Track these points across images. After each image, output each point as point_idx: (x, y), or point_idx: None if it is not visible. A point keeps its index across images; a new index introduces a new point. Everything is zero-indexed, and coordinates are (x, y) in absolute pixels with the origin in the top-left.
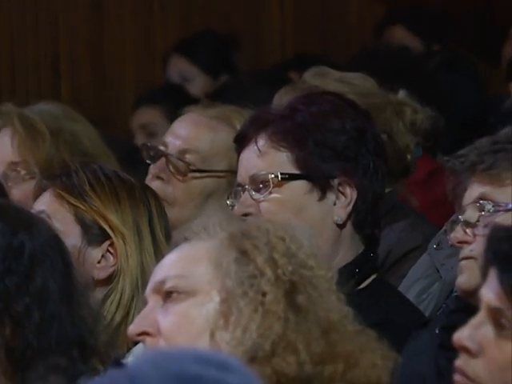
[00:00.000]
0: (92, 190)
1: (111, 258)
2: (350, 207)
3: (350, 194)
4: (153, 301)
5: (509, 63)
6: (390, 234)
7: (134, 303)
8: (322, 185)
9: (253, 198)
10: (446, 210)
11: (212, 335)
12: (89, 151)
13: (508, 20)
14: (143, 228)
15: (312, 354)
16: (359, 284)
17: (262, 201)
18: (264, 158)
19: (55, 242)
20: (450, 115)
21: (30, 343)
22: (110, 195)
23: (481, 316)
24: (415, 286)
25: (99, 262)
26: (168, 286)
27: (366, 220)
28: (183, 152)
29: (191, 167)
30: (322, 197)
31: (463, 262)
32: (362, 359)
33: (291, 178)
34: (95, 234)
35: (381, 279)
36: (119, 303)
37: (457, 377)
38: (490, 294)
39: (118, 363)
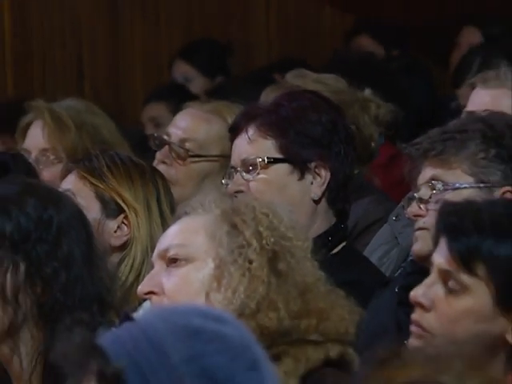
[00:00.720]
0: (109, 172)
1: (125, 228)
2: (325, 186)
3: (325, 175)
4: (158, 265)
5: (454, 72)
6: (357, 208)
7: (145, 266)
8: (301, 167)
9: (243, 178)
10: (403, 188)
11: (207, 295)
12: (107, 140)
13: (455, 31)
14: (152, 203)
15: (290, 311)
16: (331, 250)
17: (251, 180)
18: (253, 144)
19: (79, 215)
20: (408, 110)
21: (58, 300)
22: (124, 176)
23: (433, 277)
24: (377, 251)
25: (115, 232)
26: (171, 253)
27: (337, 197)
28: (183, 140)
29: (190, 153)
30: (301, 177)
31: (418, 232)
32: (333, 314)
33: (275, 161)
34: (112, 209)
35: (349, 246)
36: (132, 266)
37: (413, 328)
38: (440, 258)
39: (127, 317)
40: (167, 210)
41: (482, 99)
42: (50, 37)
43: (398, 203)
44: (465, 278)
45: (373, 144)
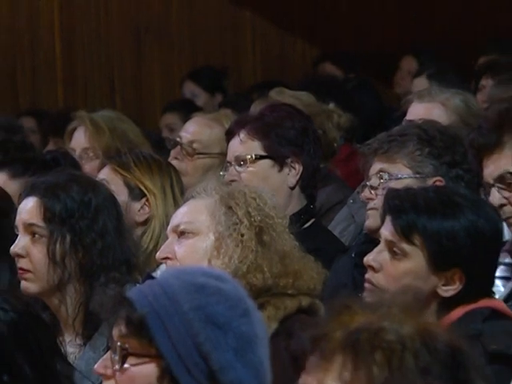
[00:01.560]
0: (135, 165)
1: (146, 208)
2: (298, 176)
3: (298, 168)
4: (171, 237)
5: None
6: (322, 193)
7: (161, 237)
8: (280, 162)
9: (236, 171)
10: (358, 178)
11: (209, 261)
12: (133, 141)
13: (398, 56)
14: (167, 189)
15: (272, 272)
16: (303, 225)
17: (242, 172)
18: (244, 145)
19: (111, 198)
20: (361, 118)
21: (95, 262)
22: (146, 169)
23: (381, 246)
24: (338, 226)
25: (139, 211)
26: (181, 228)
27: (308, 184)
28: (191, 142)
29: (196, 151)
30: (280, 170)
31: (369, 212)
32: (304, 274)
33: (261, 158)
34: (136, 194)
35: (317, 222)
36: (151, 237)
37: (366, 285)
38: (386, 232)
39: (149, 276)
40: (178, 194)
41: (417, 111)
42: (89, 61)
43: (354, 190)
44: (405, 246)
45: (335, 144)
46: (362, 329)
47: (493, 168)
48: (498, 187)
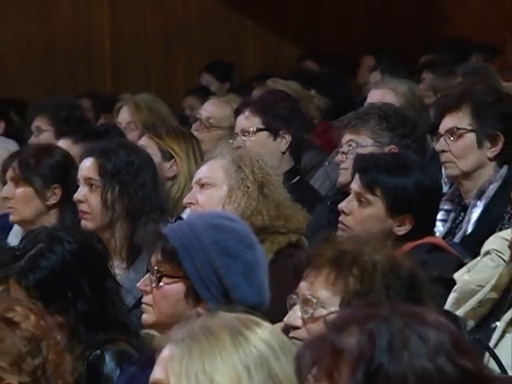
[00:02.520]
0: (166, 134)
1: (174, 167)
2: (288, 144)
3: (288, 138)
4: (195, 188)
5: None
6: (305, 157)
7: (186, 189)
8: (274, 134)
9: (242, 140)
10: (332, 146)
11: (223, 207)
12: (164, 117)
13: (360, 55)
14: (190, 153)
15: (269, 216)
16: (291, 181)
17: (246, 141)
18: (247, 120)
19: (149, 159)
20: (334, 102)
21: (137, 207)
22: (174, 137)
23: (351, 196)
24: (317, 182)
25: (169, 169)
26: (202, 181)
27: (295, 150)
28: (208, 118)
29: (212, 125)
30: (274, 139)
31: (341, 171)
32: (293, 218)
33: (260, 130)
34: (167, 156)
35: (302, 179)
36: (178, 189)
37: (339, 225)
38: (355, 186)
39: (179, 217)
40: (198, 157)
41: (375, 96)
42: (131, 57)
43: (329, 155)
44: (369, 196)
45: (315, 121)
46: (346, 251)
47: (447, 123)
48: (446, 137)
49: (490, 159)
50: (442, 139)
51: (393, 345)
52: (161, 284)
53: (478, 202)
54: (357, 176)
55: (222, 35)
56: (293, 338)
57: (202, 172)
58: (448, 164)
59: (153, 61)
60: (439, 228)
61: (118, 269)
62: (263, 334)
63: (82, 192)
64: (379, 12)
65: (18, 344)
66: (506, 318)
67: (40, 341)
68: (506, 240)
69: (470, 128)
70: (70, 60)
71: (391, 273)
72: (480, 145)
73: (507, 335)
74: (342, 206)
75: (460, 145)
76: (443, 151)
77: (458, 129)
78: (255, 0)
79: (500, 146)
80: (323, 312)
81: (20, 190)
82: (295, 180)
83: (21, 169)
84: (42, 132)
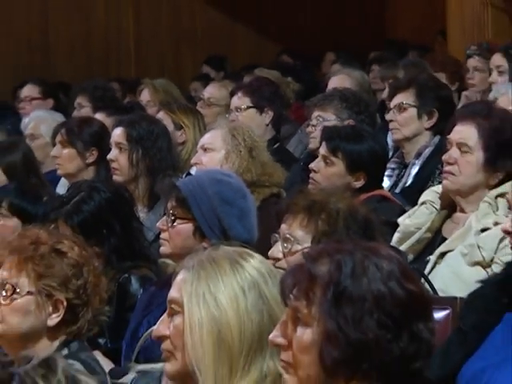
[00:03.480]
0: (177, 110)
1: (184, 135)
2: (271, 118)
3: (271, 114)
4: (200, 151)
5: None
6: (283, 128)
7: (192, 152)
8: (260, 110)
9: (236, 115)
10: (303, 120)
11: (221, 166)
12: (176, 97)
13: (324, 51)
14: (196, 124)
15: (257, 173)
16: (273, 146)
17: (239, 116)
18: (240, 100)
19: (164, 128)
20: (305, 87)
21: (155, 165)
22: (183, 112)
23: (319, 158)
24: (292, 147)
25: (180, 136)
26: (205, 146)
27: (276, 123)
28: (209, 98)
29: (212, 103)
30: (260, 114)
31: (311, 139)
32: (275, 174)
33: (249, 108)
34: (178, 126)
35: (281, 145)
36: (187, 151)
37: (310, 181)
38: (322, 150)
39: (188, 173)
40: (202, 128)
41: (335, 82)
42: (151, 52)
43: (301, 126)
44: (333, 159)
45: (291, 101)
46: (316, 201)
47: (397, 99)
48: (395, 110)
49: (427, 129)
50: (391, 111)
51: (355, 272)
52: (175, 224)
53: (416, 161)
54: (323, 143)
55: (218, 36)
56: (276, 267)
57: (205, 139)
58: (394, 130)
59: (166, 54)
60: (386, 182)
61: (141, 212)
62: (255, 263)
63: (113, 153)
64: (340, 20)
65: (65, 269)
66: (437, 252)
67: (82, 266)
68: (437, 193)
69: (413, 104)
70: (104, 53)
71: (350, 217)
72: (419, 117)
73: (437, 266)
74: (312, 165)
75: (404, 116)
76: (391, 120)
77: (403, 104)
78: (245, 8)
79: (435, 120)
80: (299, 247)
81: (66, 151)
82: (276, 146)
83: (67, 134)
84: (83, 107)
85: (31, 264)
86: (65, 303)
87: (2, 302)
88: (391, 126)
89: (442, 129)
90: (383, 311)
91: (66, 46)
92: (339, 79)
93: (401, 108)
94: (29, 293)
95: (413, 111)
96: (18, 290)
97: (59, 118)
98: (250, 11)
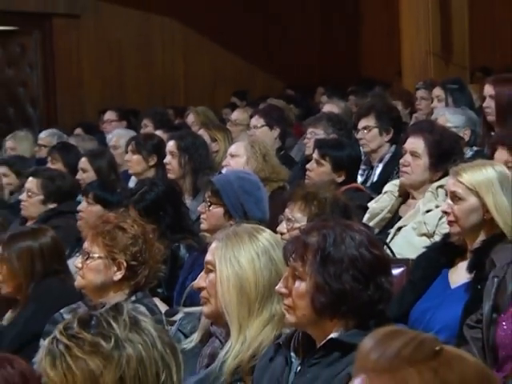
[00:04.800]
0: (213, 128)
1: (217, 146)
2: (278, 133)
3: (279, 130)
4: (228, 157)
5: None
6: (287, 141)
7: (223, 157)
8: (271, 127)
9: (253, 131)
10: (301, 135)
11: (243, 167)
12: (212, 119)
13: (317, 86)
14: (226, 138)
15: (269, 171)
16: (280, 153)
17: (256, 132)
18: (256, 121)
19: (204, 141)
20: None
21: (197, 167)
22: (217, 129)
23: (312, 161)
24: (293, 154)
25: (214, 146)
26: (232, 153)
27: (282, 136)
28: (235, 119)
29: (237, 123)
30: (271, 131)
31: (307, 147)
32: (281, 173)
33: (263, 126)
34: (213, 139)
35: (285, 153)
36: (219, 157)
37: (306, 177)
38: (314, 155)
39: (220, 172)
40: (230, 140)
41: (326, 108)
42: (196, 90)
43: (299, 139)
44: (322, 161)
45: (292, 121)
46: (310, 192)
47: (362, 123)
48: (362, 131)
49: (386, 141)
50: (360, 132)
51: (336, 241)
52: (210, 208)
53: (379, 164)
54: (316, 150)
55: (242, 75)
56: (281, 239)
57: (232, 148)
58: (364, 145)
59: (206, 88)
60: (359, 178)
61: (187, 200)
62: (266, 235)
63: (167, 158)
64: (327, 62)
65: (125, 240)
66: (395, 227)
67: (138, 238)
68: (395, 185)
69: (375, 125)
70: (161, 87)
71: (334, 203)
72: (381, 134)
73: (396, 237)
74: (307, 166)
75: (370, 134)
76: (361, 138)
77: (368, 126)
78: (260, 57)
79: (391, 135)
80: (297, 225)
81: (135, 157)
82: (282, 153)
83: (136, 145)
84: (147, 127)
85: (100, 237)
86: (125, 264)
87: (83, 264)
88: (361, 142)
89: (396, 140)
90: (356, 269)
91: (134, 83)
92: (329, 106)
93: (366, 129)
94: (99, 257)
95: (375, 131)
96: (91, 256)
97: (131, 134)
98: (263, 58)
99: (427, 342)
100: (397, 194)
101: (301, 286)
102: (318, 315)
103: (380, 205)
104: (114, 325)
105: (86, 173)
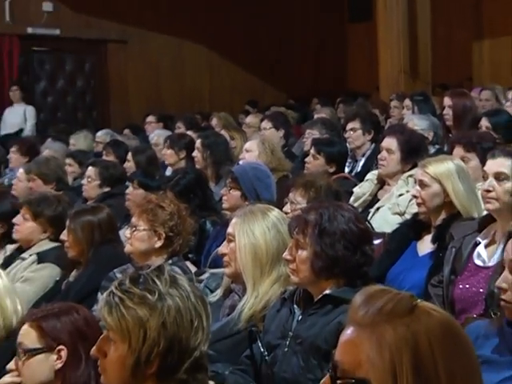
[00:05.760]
0: (232, 130)
1: (235, 143)
2: (283, 133)
3: (283, 131)
4: (244, 152)
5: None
6: (289, 140)
7: (240, 152)
8: (277, 129)
9: (263, 132)
10: (301, 135)
11: (256, 160)
12: (231, 123)
13: (312, 98)
14: (242, 137)
15: (275, 163)
16: (284, 149)
17: (265, 132)
18: (266, 124)
19: (225, 139)
20: (301, 117)
21: (218, 159)
22: (235, 130)
23: (310, 155)
24: (294, 150)
25: (233, 144)
26: (247, 149)
27: (286, 136)
28: (249, 123)
29: (250, 126)
30: (277, 131)
31: (305, 144)
32: (285, 164)
33: (271, 128)
34: (232, 138)
35: (288, 149)
36: (237, 152)
37: (306, 168)
38: (311, 151)
39: (238, 163)
40: (245, 139)
41: (318, 114)
42: (218, 96)
43: (299, 139)
44: (318, 156)
45: (293, 124)
46: (309, 180)
47: (349, 126)
48: (349, 131)
49: (368, 140)
50: (347, 133)
51: (330, 218)
52: (230, 192)
53: (362, 158)
54: (312, 147)
55: (253, 89)
56: (286, 217)
57: (247, 145)
58: (351, 143)
59: (226, 98)
60: (346, 169)
61: (212, 185)
62: (275, 213)
63: (195, 153)
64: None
65: (164, 216)
66: (374, 207)
67: (174, 215)
68: (375, 175)
69: (359, 128)
70: (191, 97)
71: (328, 189)
72: (364, 134)
73: (375, 215)
74: (306, 160)
75: (355, 134)
76: (348, 138)
77: (354, 128)
78: (268, 74)
79: (372, 135)
80: (299, 206)
81: (169, 151)
82: (285, 149)
83: (170, 143)
84: (180, 128)
85: (145, 214)
86: (164, 235)
87: (131, 234)
88: (348, 140)
89: (376, 140)
90: (346, 240)
91: (169, 94)
92: (321, 113)
93: (353, 130)
94: (143, 229)
95: (360, 132)
96: (138, 228)
97: (167, 134)
98: (271, 76)
99: (405, 299)
100: (376, 181)
101: (302, 253)
102: (317, 276)
103: (362, 190)
104: (158, 282)
105: (131, 163)
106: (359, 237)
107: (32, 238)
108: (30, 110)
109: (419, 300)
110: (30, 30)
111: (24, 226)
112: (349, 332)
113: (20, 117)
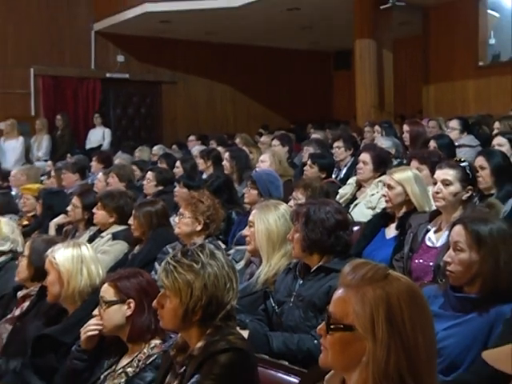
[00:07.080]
0: (251, 146)
1: (252, 155)
2: (287, 149)
3: (287, 147)
4: (259, 162)
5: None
6: (292, 154)
7: (256, 163)
8: (283, 145)
9: (273, 148)
10: (300, 150)
11: (268, 168)
12: (249, 141)
13: (307, 125)
14: (258, 151)
15: (282, 171)
16: (288, 161)
17: (275, 148)
18: (274, 142)
19: (245, 153)
20: (299, 138)
21: (241, 167)
22: (253, 146)
23: (307, 165)
24: (296, 161)
25: (251, 156)
26: (261, 160)
27: (289, 150)
28: (263, 142)
29: (263, 143)
30: (283, 147)
31: (303, 157)
32: (289, 172)
33: (278, 145)
34: (251, 152)
35: (291, 160)
36: (254, 162)
37: (304, 175)
38: (308, 161)
39: (255, 171)
40: (260, 153)
41: (315, 135)
42: (239, 121)
43: (299, 153)
44: (313, 165)
45: (294, 143)
46: (307, 183)
47: (335, 144)
48: (336, 149)
49: (349, 155)
50: (334, 149)
51: (314, 211)
52: (250, 191)
53: (345, 168)
54: (309, 159)
55: (264, 116)
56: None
57: (261, 157)
58: (337, 157)
59: (245, 123)
60: (333, 176)
61: (236, 185)
62: (283, 206)
63: (224, 162)
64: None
65: (203, 208)
66: (353, 203)
67: (210, 207)
68: (354, 180)
69: (342, 146)
70: (220, 123)
71: (320, 189)
72: (346, 151)
73: (354, 209)
74: (304, 168)
75: (339, 151)
76: (334, 153)
77: (339, 146)
78: (275, 104)
79: (352, 151)
80: (299, 201)
81: (201, 161)
82: (289, 161)
83: (203, 155)
84: (212, 145)
85: (189, 206)
86: (202, 222)
87: (179, 221)
88: (335, 155)
89: (354, 154)
90: (323, 227)
91: (204, 120)
92: (316, 134)
93: (338, 148)
94: (188, 217)
95: (343, 149)
96: (184, 216)
97: (202, 149)
98: (278, 108)
99: (381, 269)
100: (355, 184)
101: (296, 236)
102: (304, 252)
103: (345, 191)
104: (201, 255)
105: (178, 169)
106: (334, 225)
107: (104, 222)
108: (107, 132)
109: (391, 270)
110: (108, 75)
111: (98, 213)
112: (340, 291)
113: (100, 136)
